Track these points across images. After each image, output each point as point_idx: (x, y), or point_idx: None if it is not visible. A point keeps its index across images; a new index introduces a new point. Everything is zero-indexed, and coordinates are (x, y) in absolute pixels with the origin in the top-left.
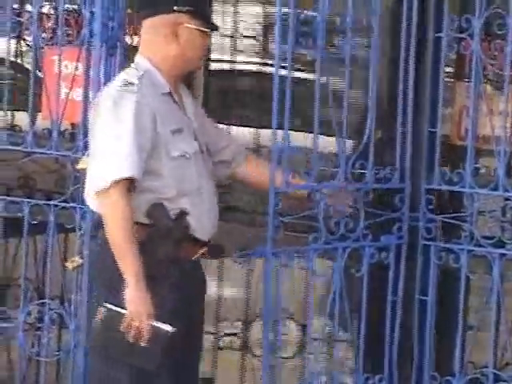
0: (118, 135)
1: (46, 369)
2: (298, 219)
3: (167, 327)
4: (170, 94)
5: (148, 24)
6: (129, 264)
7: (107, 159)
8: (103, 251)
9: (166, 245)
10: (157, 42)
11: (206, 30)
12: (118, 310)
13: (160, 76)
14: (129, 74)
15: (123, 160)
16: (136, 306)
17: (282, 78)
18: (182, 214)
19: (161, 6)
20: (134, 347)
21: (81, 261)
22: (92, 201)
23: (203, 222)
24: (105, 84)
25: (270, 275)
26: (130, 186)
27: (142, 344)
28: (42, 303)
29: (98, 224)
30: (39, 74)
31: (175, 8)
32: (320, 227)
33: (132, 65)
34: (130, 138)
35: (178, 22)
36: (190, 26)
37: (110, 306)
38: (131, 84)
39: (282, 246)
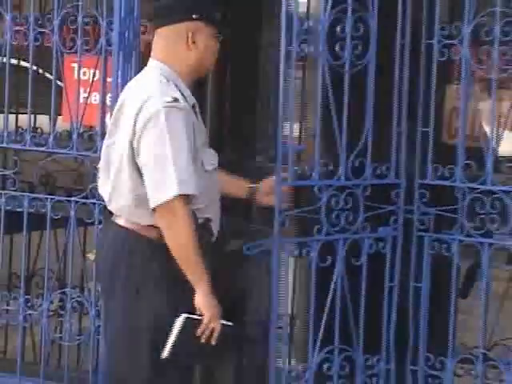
0: (176, 151)
1: (68, 352)
2: (302, 213)
3: (228, 323)
4: (194, 105)
5: (165, 32)
6: (200, 273)
7: (168, 175)
8: (131, 257)
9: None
10: (176, 49)
11: (219, 35)
12: (195, 317)
13: (184, 86)
14: (164, 85)
15: (185, 176)
16: (212, 309)
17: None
18: (207, 221)
19: (179, 14)
20: (205, 348)
21: None
22: (142, 211)
23: (217, 228)
24: (122, 89)
25: (277, 266)
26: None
27: (213, 343)
28: (64, 292)
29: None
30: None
31: (193, 16)
32: (322, 220)
33: (156, 71)
34: (186, 153)
35: (195, 28)
36: (206, 32)
37: (186, 315)
38: (177, 100)
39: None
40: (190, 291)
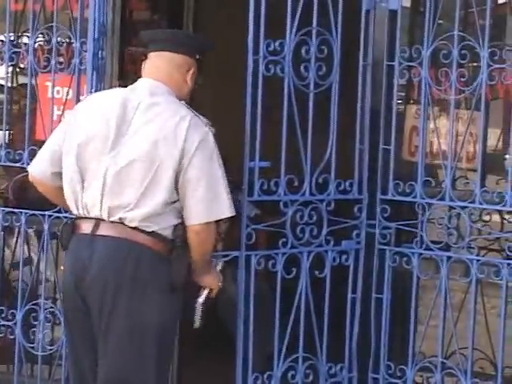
0: (223, 173)
1: (41, 362)
2: (268, 226)
3: None
4: None
5: (168, 57)
6: (207, 265)
7: (220, 195)
8: (138, 269)
9: (187, 257)
10: (176, 77)
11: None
12: (206, 292)
13: None
14: (186, 106)
15: (229, 200)
16: (216, 279)
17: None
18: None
19: (192, 48)
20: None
21: None
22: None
23: None
24: None
25: (243, 277)
26: None
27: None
28: (37, 303)
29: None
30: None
31: (197, 56)
32: (287, 233)
33: (166, 91)
34: (225, 178)
35: (193, 66)
36: (195, 71)
37: (201, 299)
38: (209, 124)
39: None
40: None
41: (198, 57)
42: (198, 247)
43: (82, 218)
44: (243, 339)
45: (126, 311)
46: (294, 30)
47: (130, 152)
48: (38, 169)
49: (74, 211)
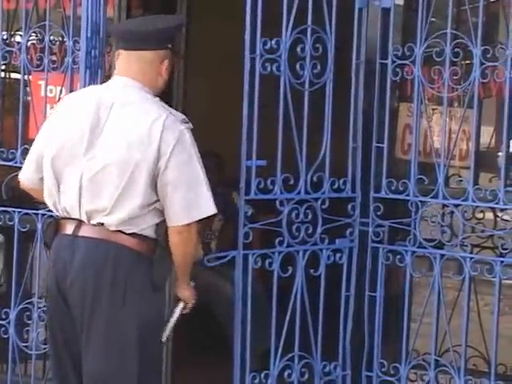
0: (203, 171)
1: (34, 361)
2: (265, 225)
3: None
4: None
5: (139, 55)
6: (188, 273)
7: (203, 194)
8: (117, 269)
9: (168, 256)
10: (150, 73)
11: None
12: (182, 305)
13: None
14: (161, 104)
15: (210, 198)
16: (192, 295)
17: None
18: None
19: (160, 41)
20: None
21: None
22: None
23: None
24: None
25: (241, 276)
26: None
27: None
28: (31, 302)
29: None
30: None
31: (169, 45)
32: (283, 232)
33: (140, 89)
34: (205, 174)
35: (166, 56)
36: (170, 60)
37: (181, 305)
38: (186, 120)
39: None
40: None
41: (169, 46)
42: (180, 248)
43: (65, 218)
44: (241, 339)
45: (107, 314)
46: (290, 29)
47: (105, 155)
48: (26, 176)
49: (56, 212)
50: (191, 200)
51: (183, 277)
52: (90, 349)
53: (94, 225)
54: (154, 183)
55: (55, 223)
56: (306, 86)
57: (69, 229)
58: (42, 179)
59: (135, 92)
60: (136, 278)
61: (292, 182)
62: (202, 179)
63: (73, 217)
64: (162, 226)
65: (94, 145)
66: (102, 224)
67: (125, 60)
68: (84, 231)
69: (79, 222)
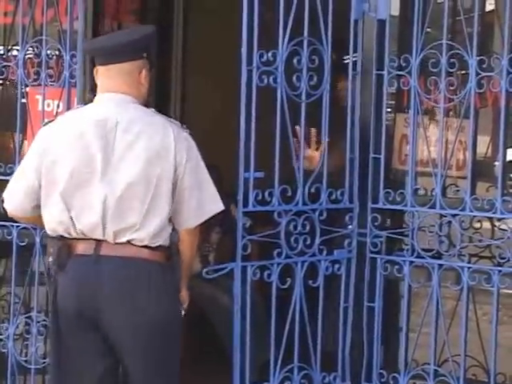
0: (207, 172)
1: (34, 375)
2: (263, 237)
3: None
4: None
5: (121, 67)
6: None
7: (212, 193)
8: (163, 275)
9: (179, 262)
10: (134, 83)
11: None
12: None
13: None
14: (156, 116)
15: (217, 195)
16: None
17: None
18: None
19: (136, 52)
20: None
21: None
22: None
23: None
24: None
25: (239, 287)
26: None
27: None
28: (29, 316)
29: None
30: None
31: (144, 54)
32: (282, 243)
33: (132, 101)
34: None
35: (144, 65)
36: (148, 68)
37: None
38: (183, 126)
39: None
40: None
41: (145, 55)
42: (192, 248)
43: (77, 239)
44: (240, 351)
45: (148, 327)
46: (286, 41)
47: (126, 175)
48: (17, 206)
49: (66, 236)
50: (204, 200)
51: (186, 278)
52: (135, 361)
53: (119, 243)
54: (174, 192)
55: (68, 244)
56: (303, 97)
57: (87, 249)
58: (34, 207)
59: (131, 107)
60: (167, 289)
61: (290, 193)
62: (209, 179)
63: (92, 237)
64: (173, 234)
65: (109, 166)
66: (128, 241)
67: (105, 75)
68: (107, 250)
69: (98, 242)
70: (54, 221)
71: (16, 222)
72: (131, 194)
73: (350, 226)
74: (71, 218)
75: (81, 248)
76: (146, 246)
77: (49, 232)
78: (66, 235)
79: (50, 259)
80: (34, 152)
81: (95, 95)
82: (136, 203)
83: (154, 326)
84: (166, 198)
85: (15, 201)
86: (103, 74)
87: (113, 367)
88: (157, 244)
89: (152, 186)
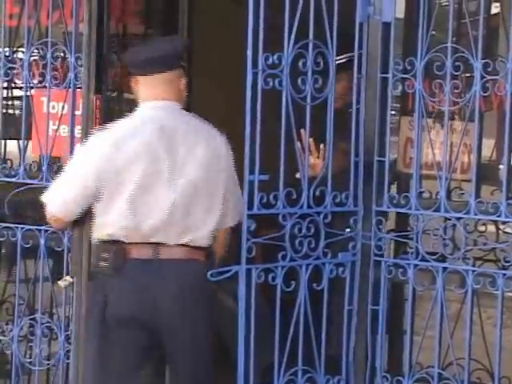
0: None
1: (38, 377)
2: (268, 240)
3: None
4: None
5: (162, 78)
6: None
7: (241, 198)
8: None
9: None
10: (175, 91)
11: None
12: None
13: None
14: (203, 122)
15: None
16: None
17: None
18: None
19: (177, 61)
20: None
21: (71, 279)
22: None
23: None
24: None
25: (244, 290)
26: None
27: None
28: (34, 318)
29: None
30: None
31: (182, 63)
32: (286, 246)
33: (180, 109)
34: None
35: (181, 73)
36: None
37: None
38: None
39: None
40: None
41: (182, 63)
42: (225, 247)
43: (134, 243)
44: (244, 354)
45: (201, 330)
46: (292, 43)
47: (189, 179)
48: (66, 209)
49: (124, 240)
50: (238, 201)
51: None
52: (186, 359)
53: (178, 245)
54: (224, 195)
55: (123, 248)
56: (308, 100)
57: (145, 253)
58: (81, 212)
59: (182, 113)
60: (209, 286)
61: (294, 196)
62: (237, 180)
63: (151, 241)
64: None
65: (174, 171)
66: (187, 243)
67: (149, 84)
68: (167, 254)
69: (157, 245)
70: (115, 226)
71: (20, 224)
72: (194, 197)
73: (347, 230)
74: (136, 223)
75: (138, 252)
76: (197, 247)
77: (103, 237)
78: (125, 240)
79: (104, 264)
80: (91, 157)
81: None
82: (198, 206)
83: (206, 326)
84: (220, 200)
85: (65, 205)
86: (146, 84)
87: (159, 367)
88: (207, 244)
89: (211, 189)
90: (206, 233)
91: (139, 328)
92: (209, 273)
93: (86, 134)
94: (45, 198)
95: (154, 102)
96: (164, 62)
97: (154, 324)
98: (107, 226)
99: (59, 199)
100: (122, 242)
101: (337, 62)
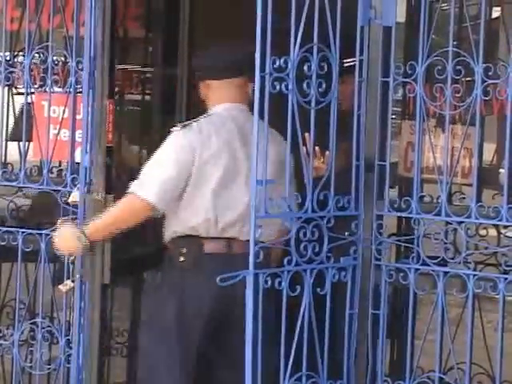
0: None
1: (39, 381)
2: (274, 244)
3: None
4: None
5: (236, 82)
6: None
7: None
8: None
9: None
10: (244, 95)
11: None
12: None
13: None
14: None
15: None
16: None
17: None
18: None
19: (246, 68)
20: None
21: (72, 284)
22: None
23: None
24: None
25: (251, 295)
26: None
27: None
28: (34, 322)
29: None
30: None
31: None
32: (292, 251)
33: (247, 110)
34: None
35: (249, 79)
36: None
37: None
38: None
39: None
40: None
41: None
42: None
43: (208, 238)
44: (252, 359)
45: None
46: (297, 47)
47: (260, 175)
48: (164, 203)
49: (203, 235)
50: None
51: None
52: (237, 354)
53: (247, 240)
54: None
55: (198, 243)
56: (313, 104)
57: (219, 248)
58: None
59: (251, 116)
60: None
61: (300, 200)
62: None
63: (225, 236)
64: None
65: (250, 169)
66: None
67: (223, 89)
68: (238, 248)
69: (229, 240)
70: (197, 219)
71: (21, 228)
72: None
73: (348, 233)
74: (216, 217)
75: (212, 247)
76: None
77: (183, 230)
78: (203, 234)
79: (182, 259)
80: (181, 151)
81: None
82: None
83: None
84: None
85: (162, 195)
86: (220, 88)
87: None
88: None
89: (279, 191)
90: (274, 231)
91: (212, 321)
92: (217, 278)
93: (99, 138)
94: (136, 186)
95: (228, 104)
96: (239, 68)
97: (226, 317)
98: (189, 219)
99: (155, 187)
100: (198, 237)
101: (345, 65)
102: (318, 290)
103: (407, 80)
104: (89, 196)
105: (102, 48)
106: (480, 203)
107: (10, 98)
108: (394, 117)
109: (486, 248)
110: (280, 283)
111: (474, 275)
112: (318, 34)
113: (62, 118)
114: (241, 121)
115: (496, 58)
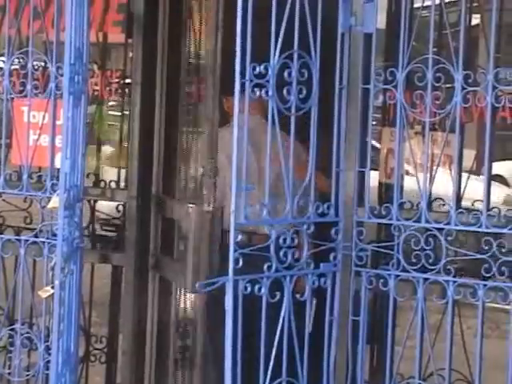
0: None
1: None
2: (254, 250)
3: None
4: None
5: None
6: None
7: None
8: None
9: None
10: (262, 107)
11: None
12: None
13: None
14: None
15: None
16: None
17: None
18: None
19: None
20: None
21: (52, 290)
22: None
23: None
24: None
25: (231, 301)
26: None
27: None
28: (13, 328)
29: None
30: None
31: None
32: (272, 257)
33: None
34: None
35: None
36: None
37: None
38: None
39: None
40: None
41: None
42: None
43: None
44: (231, 366)
45: None
46: (278, 54)
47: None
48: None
49: None
50: None
51: None
52: None
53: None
54: None
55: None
56: (293, 110)
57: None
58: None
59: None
60: None
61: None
62: None
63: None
64: None
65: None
66: None
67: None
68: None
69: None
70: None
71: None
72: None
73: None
74: None
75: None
76: None
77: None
78: None
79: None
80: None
81: None
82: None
83: None
84: None
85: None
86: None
87: None
88: None
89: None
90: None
91: None
92: (196, 284)
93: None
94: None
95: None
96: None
97: None
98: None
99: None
100: None
101: None
102: (299, 296)
103: (388, 87)
104: (197, 208)
105: (83, 53)
106: (460, 210)
107: None
108: (374, 123)
109: (466, 254)
110: (260, 289)
111: (454, 282)
112: (298, 40)
113: (42, 124)
114: (261, 129)
115: (475, 66)
